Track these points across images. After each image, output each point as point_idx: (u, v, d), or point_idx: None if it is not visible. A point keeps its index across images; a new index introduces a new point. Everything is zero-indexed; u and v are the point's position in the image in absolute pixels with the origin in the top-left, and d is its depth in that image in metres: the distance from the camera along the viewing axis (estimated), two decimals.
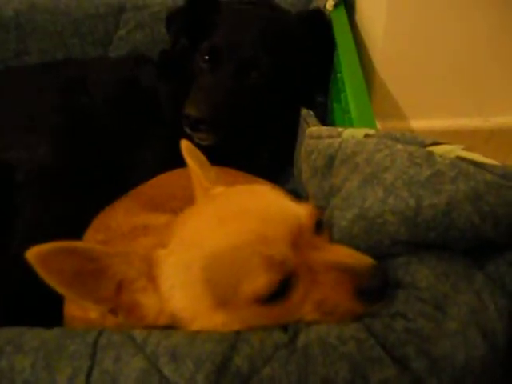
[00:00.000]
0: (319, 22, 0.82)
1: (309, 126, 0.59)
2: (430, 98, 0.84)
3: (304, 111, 0.66)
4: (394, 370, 0.30)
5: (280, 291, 0.34)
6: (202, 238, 0.36)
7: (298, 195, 0.58)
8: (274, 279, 0.33)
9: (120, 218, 0.53)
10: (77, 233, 0.56)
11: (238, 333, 0.34)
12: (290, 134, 0.72)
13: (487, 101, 0.85)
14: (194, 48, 0.80)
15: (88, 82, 0.82)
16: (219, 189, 0.44)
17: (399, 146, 0.39)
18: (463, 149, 0.38)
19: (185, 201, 0.45)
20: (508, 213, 0.35)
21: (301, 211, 0.38)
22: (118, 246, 0.47)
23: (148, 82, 0.84)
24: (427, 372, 0.30)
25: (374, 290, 0.34)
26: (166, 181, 0.67)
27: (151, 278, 0.36)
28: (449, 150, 0.37)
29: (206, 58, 0.76)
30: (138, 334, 0.34)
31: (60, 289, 0.33)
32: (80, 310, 0.45)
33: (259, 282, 0.33)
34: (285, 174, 0.80)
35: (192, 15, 0.80)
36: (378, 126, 0.67)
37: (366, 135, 0.43)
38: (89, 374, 0.31)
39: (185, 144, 0.48)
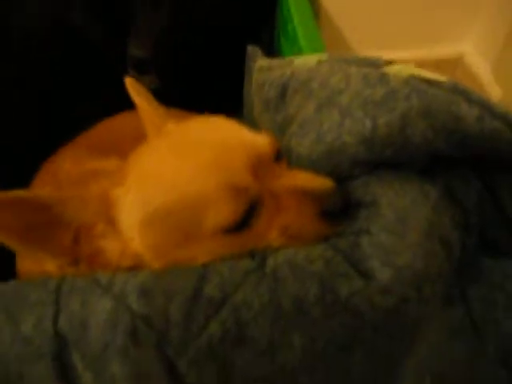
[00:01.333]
0: None
1: (255, 62, 0.57)
2: (377, 29, 0.84)
3: (250, 48, 0.64)
4: (361, 282, 0.31)
5: (245, 220, 0.34)
6: (160, 172, 0.35)
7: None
8: (239, 208, 0.33)
9: (67, 166, 0.50)
10: None
11: (206, 265, 0.33)
12: (238, 73, 0.70)
13: (432, 32, 0.87)
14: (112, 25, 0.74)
15: (12, 25, 0.74)
16: (171, 125, 0.42)
17: (353, 69, 0.39)
18: (415, 67, 0.38)
19: (136, 142, 0.43)
20: (458, 127, 0.36)
21: (259, 139, 0.37)
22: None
23: (81, 21, 0.77)
24: (391, 280, 0.31)
25: (337, 210, 0.34)
26: (113, 124, 0.64)
27: (110, 219, 0.35)
28: (402, 69, 0.38)
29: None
30: (103, 277, 0.33)
31: (12, 244, 0.31)
32: (35, 264, 0.43)
33: (224, 211, 0.33)
34: (235, 114, 0.78)
35: None
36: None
37: (319, 61, 0.42)
38: (55, 320, 0.30)
39: (129, 81, 0.45)
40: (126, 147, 0.42)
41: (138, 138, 0.45)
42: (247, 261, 0.33)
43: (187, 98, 0.76)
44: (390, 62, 0.38)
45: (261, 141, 0.37)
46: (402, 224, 0.33)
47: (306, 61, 0.44)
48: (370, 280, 0.31)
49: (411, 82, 0.36)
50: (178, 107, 0.68)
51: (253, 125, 0.59)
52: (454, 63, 0.89)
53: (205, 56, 0.75)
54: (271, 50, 0.83)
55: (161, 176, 0.34)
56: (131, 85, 0.45)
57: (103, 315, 0.30)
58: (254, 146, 0.36)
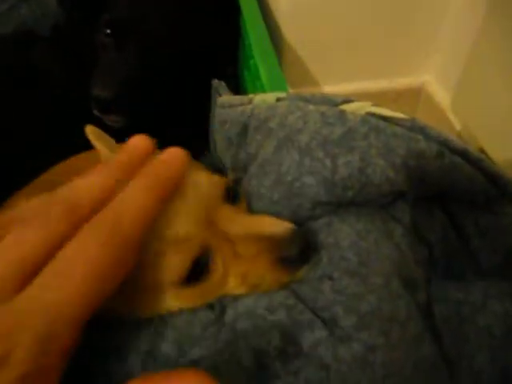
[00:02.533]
0: None
1: (220, 96, 0.57)
2: (338, 62, 0.86)
3: (215, 82, 0.64)
4: (324, 331, 0.30)
5: (198, 270, 0.32)
6: None
7: (215, 169, 0.57)
8: (183, 258, 0.31)
9: None
10: None
11: (161, 318, 0.32)
12: (204, 109, 0.69)
13: (393, 63, 0.89)
14: (91, 22, 0.73)
15: None
16: None
17: (311, 107, 0.38)
18: (372, 105, 0.38)
19: None
20: (418, 164, 0.36)
21: (205, 182, 0.35)
22: None
23: (42, 62, 0.76)
24: (356, 328, 0.30)
25: (296, 255, 0.33)
26: (71, 166, 0.62)
27: None
28: (359, 107, 0.38)
29: (108, 32, 0.70)
30: None
31: None
32: None
33: (171, 264, 0.31)
34: (201, 149, 0.78)
35: None
36: (291, 92, 0.66)
37: (278, 99, 0.42)
38: None
39: (90, 129, 0.44)
40: None
41: None
42: (205, 312, 0.32)
43: (156, 136, 0.74)
44: (347, 100, 0.38)
45: (207, 183, 0.35)
46: (365, 267, 0.32)
47: (265, 98, 0.43)
48: (334, 328, 0.30)
49: (368, 120, 0.36)
50: None
51: (218, 161, 0.58)
52: (417, 93, 0.91)
53: (171, 93, 0.75)
54: (235, 83, 0.83)
55: None
56: (91, 131, 0.43)
57: None
58: (199, 190, 0.34)
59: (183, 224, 0.32)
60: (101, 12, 0.72)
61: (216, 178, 0.37)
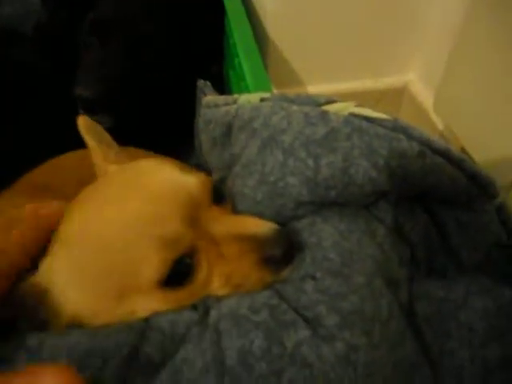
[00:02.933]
0: None
1: (205, 96, 0.57)
2: (322, 62, 0.86)
3: (200, 82, 0.63)
4: (307, 330, 0.30)
5: (182, 271, 0.32)
6: (85, 229, 0.33)
7: (201, 168, 0.56)
8: (169, 259, 0.31)
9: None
10: None
11: (146, 319, 0.31)
12: (190, 108, 0.69)
13: (377, 63, 0.89)
14: (75, 20, 0.72)
15: None
16: (112, 168, 0.40)
17: (295, 108, 0.38)
18: (356, 105, 0.38)
19: (81, 185, 0.41)
20: (400, 164, 0.36)
21: (192, 182, 0.36)
22: None
23: (24, 60, 0.75)
24: (339, 327, 0.30)
25: (279, 256, 0.33)
26: (58, 165, 0.61)
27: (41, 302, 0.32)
28: (342, 108, 0.38)
29: (92, 30, 0.69)
30: (31, 339, 0.30)
31: None
32: None
33: (154, 264, 0.31)
34: (187, 148, 0.77)
35: None
36: (275, 91, 0.67)
37: (262, 99, 0.42)
38: None
39: (82, 121, 0.43)
40: (70, 190, 0.40)
41: (84, 179, 0.42)
42: (189, 313, 0.32)
43: (143, 135, 0.74)
44: (330, 101, 0.38)
45: (193, 183, 0.36)
46: (347, 267, 0.32)
47: (249, 99, 0.43)
48: (318, 327, 0.30)
49: (351, 120, 0.36)
50: (135, 145, 0.66)
51: (204, 161, 0.58)
52: (400, 92, 0.92)
53: (155, 92, 0.74)
54: (220, 82, 0.83)
55: (85, 234, 0.32)
56: (83, 123, 0.42)
57: None
58: (185, 190, 0.35)
59: (171, 224, 0.32)
60: (84, 11, 0.71)
61: (203, 177, 0.37)
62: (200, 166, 0.61)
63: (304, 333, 0.30)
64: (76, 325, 0.32)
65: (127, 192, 0.34)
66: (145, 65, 0.70)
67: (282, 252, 0.33)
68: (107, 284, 0.31)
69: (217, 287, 0.34)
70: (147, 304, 0.32)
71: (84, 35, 0.70)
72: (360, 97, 0.90)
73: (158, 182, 0.35)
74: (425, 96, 0.87)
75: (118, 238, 0.31)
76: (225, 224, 0.34)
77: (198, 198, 0.35)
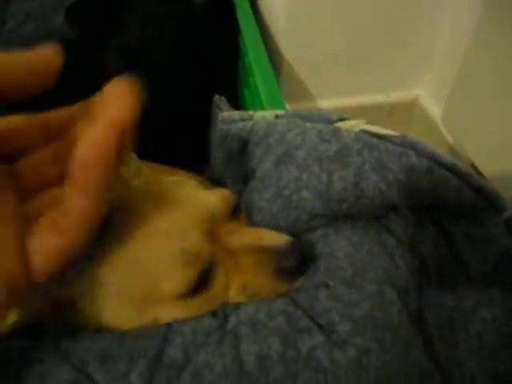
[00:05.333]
0: (224, 8, 0.81)
1: (222, 112, 0.59)
2: (334, 77, 0.88)
3: (216, 98, 0.66)
4: (321, 336, 0.31)
5: (202, 282, 0.34)
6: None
7: (216, 183, 0.58)
8: (192, 273, 0.33)
9: None
10: None
11: (169, 325, 0.33)
12: (205, 125, 0.71)
13: (387, 78, 0.91)
14: (102, 43, 0.75)
15: None
16: (135, 183, 0.42)
17: (308, 125, 0.41)
18: (366, 123, 0.40)
19: None
20: (409, 178, 0.38)
21: (213, 198, 0.37)
22: None
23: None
24: (351, 333, 0.32)
25: (293, 267, 0.35)
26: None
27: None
28: (353, 125, 0.40)
29: (118, 55, 0.72)
30: (63, 342, 0.32)
31: None
32: None
33: (178, 278, 0.32)
34: (204, 162, 0.79)
35: (98, 7, 0.75)
36: (288, 107, 0.69)
37: (277, 116, 0.44)
38: None
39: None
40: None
41: None
42: (209, 319, 0.33)
43: (160, 154, 0.76)
44: (342, 118, 0.40)
45: (215, 199, 0.37)
46: (359, 276, 0.34)
47: (264, 115, 0.45)
48: (331, 333, 0.32)
49: (362, 137, 0.38)
50: (152, 158, 0.68)
51: (219, 175, 0.60)
52: (410, 107, 0.93)
53: (174, 112, 0.77)
54: (235, 99, 0.85)
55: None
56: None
57: None
58: (208, 207, 0.36)
59: (194, 239, 0.34)
60: (111, 35, 0.74)
61: (226, 193, 0.39)
62: (214, 181, 0.64)
63: (318, 338, 0.31)
64: (103, 329, 0.34)
65: (152, 208, 0.35)
66: (163, 89, 0.73)
67: (296, 263, 0.35)
68: (132, 294, 0.33)
69: (233, 296, 0.36)
70: (169, 313, 0.34)
71: (111, 58, 0.73)
72: (371, 111, 0.91)
73: (181, 198, 0.36)
74: (434, 110, 0.89)
75: (143, 253, 0.33)
76: (242, 236, 0.36)
77: (219, 213, 0.37)
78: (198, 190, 0.39)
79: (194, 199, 0.37)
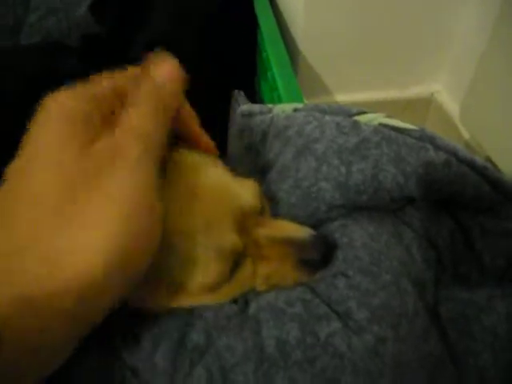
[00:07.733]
0: (243, 2, 0.82)
1: (240, 106, 0.60)
2: (351, 73, 0.88)
3: (235, 92, 0.67)
4: (339, 323, 0.32)
5: (231, 272, 0.35)
6: None
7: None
8: (224, 268, 0.34)
9: None
10: None
11: (191, 310, 0.34)
12: (222, 119, 0.72)
13: (404, 74, 0.91)
14: (128, 36, 0.76)
15: None
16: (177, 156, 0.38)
17: (327, 118, 0.41)
18: (385, 116, 0.41)
19: None
20: (427, 171, 0.38)
21: (246, 194, 0.37)
22: None
23: (69, 71, 0.79)
24: (368, 321, 0.32)
25: (317, 260, 0.36)
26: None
27: None
28: (372, 118, 0.40)
29: (143, 50, 0.73)
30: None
31: None
32: None
33: (211, 272, 0.33)
34: (222, 156, 0.80)
35: (124, 2, 0.77)
36: (306, 101, 0.69)
37: (295, 109, 0.45)
38: None
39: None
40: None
41: None
42: (230, 305, 0.35)
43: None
44: (361, 112, 0.41)
45: (247, 195, 0.37)
46: (376, 266, 0.35)
47: (283, 109, 0.46)
48: (348, 321, 0.33)
49: (381, 130, 0.39)
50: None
51: (237, 165, 0.61)
52: (426, 102, 0.93)
53: (194, 99, 0.78)
54: (253, 93, 0.86)
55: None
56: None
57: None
58: (241, 202, 0.36)
59: (229, 234, 0.34)
60: (137, 28, 0.75)
61: (257, 186, 0.39)
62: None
63: (336, 325, 0.32)
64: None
65: (192, 198, 0.34)
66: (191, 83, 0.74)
67: (320, 256, 0.36)
68: (165, 282, 0.34)
69: (256, 285, 0.37)
70: (195, 301, 0.35)
71: (135, 53, 0.74)
72: (387, 106, 0.92)
73: (219, 192, 0.36)
74: (451, 106, 0.89)
75: (180, 242, 0.33)
76: (268, 229, 0.37)
77: (251, 208, 0.37)
78: (232, 183, 0.38)
79: (229, 192, 0.36)
